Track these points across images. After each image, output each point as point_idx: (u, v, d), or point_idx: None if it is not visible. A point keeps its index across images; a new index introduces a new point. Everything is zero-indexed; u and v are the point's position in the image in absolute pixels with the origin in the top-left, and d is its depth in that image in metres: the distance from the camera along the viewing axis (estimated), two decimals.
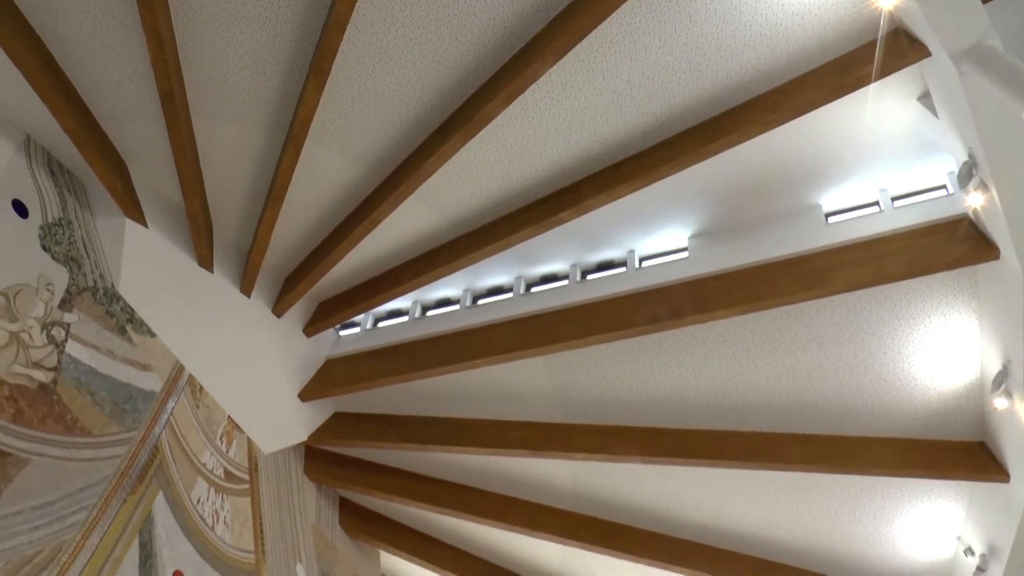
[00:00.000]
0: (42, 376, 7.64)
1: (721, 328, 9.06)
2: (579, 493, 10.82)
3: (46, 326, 7.85)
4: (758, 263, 8.61)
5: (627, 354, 9.61)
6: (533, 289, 10.42)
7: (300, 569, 10.83)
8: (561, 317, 9.56)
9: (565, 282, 10.22)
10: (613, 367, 9.80)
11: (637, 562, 10.71)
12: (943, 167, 8.52)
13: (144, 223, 9.08)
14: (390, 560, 13.15)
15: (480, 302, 10.78)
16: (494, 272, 10.61)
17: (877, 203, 8.78)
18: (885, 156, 8.51)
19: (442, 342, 10.35)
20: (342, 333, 11.70)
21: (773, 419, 9.33)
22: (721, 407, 9.49)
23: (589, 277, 10.07)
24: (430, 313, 11.15)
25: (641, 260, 9.81)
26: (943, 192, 8.56)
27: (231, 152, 8.87)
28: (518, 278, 10.54)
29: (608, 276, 9.88)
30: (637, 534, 10.64)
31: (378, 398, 11.14)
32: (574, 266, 10.21)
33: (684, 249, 9.52)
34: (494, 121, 7.91)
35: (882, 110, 7.95)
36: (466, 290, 10.90)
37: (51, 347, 7.83)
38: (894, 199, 8.72)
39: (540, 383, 10.21)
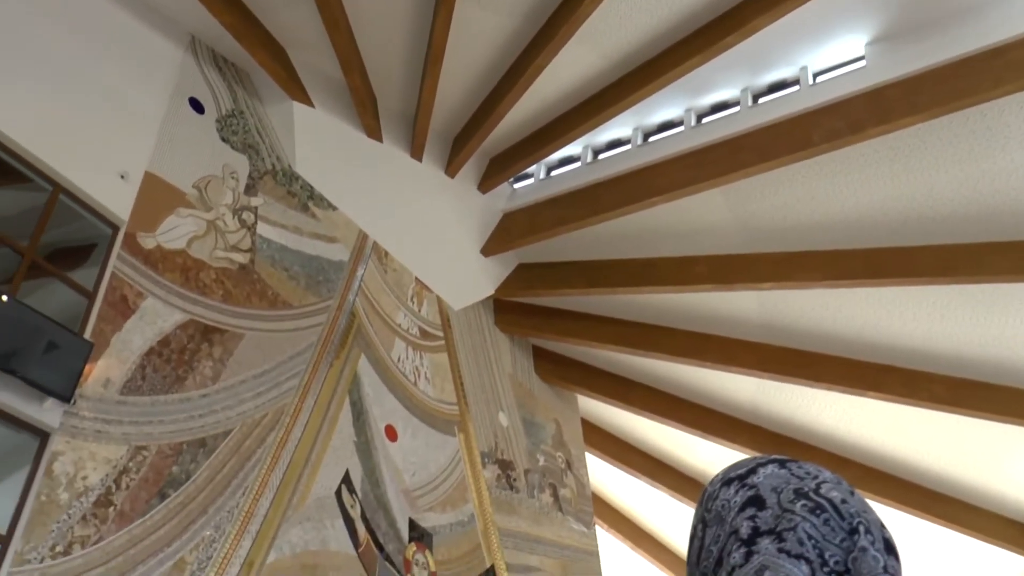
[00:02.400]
0: (241, 258, 8.25)
1: (906, 138, 8.48)
2: (768, 324, 10.66)
3: (236, 211, 8.40)
4: (944, 62, 7.88)
5: (807, 176, 9.21)
6: (704, 120, 10.07)
7: (502, 417, 11.39)
8: (736, 145, 9.24)
9: (736, 109, 9.78)
10: (793, 191, 9.43)
11: (831, 390, 10.55)
12: None
13: (310, 103, 9.40)
14: (587, 403, 13.54)
15: (651, 139, 10.54)
16: (662, 107, 10.30)
17: None
18: None
19: (618, 183, 10.27)
20: (516, 186, 11.80)
21: (967, 229, 8.73)
22: (909, 221, 8.99)
23: (761, 100, 9.60)
24: (602, 156, 11.02)
25: (815, 76, 9.23)
26: None
27: (383, 22, 8.93)
28: (688, 110, 10.20)
29: (781, 97, 9.37)
30: (829, 361, 10.40)
31: (560, 246, 11.25)
32: (744, 91, 9.75)
33: (861, 58, 8.87)
34: None
35: None
36: (636, 129, 10.67)
37: (244, 230, 8.40)
38: None
39: (720, 215, 10.00)
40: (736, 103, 9.85)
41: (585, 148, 11.17)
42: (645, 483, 13.83)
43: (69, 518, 5.87)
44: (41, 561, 5.59)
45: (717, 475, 1.13)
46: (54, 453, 6.00)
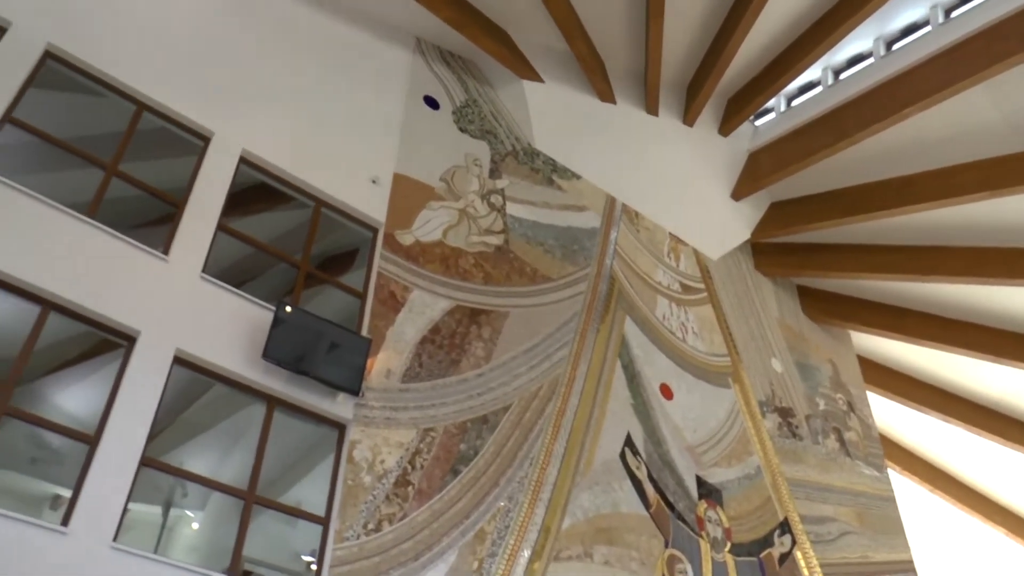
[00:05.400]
0: (495, 240, 8.56)
1: None
2: None
3: (484, 196, 8.73)
4: None
5: None
6: (954, 13, 9.23)
7: (775, 363, 11.06)
8: (995, 34, 8.42)
9: None
10: None
11: None
12: None
13: (539, 79, 9.56)
14: (861, 339, 12.84)
15: (895, 47, 9.83)
16: (904, 9, 9.59)
17: None
18: None
19: (864, 101, 9.69)
20: (758, 123, 11.38)
21: None
22: None
23: None
24: (843, 76, 10.41)
25: None
26: None
27: None
28: (934, 7, 9.39)
29: None
30: None
31: (811, 177, 10.77)
32: None
33: None
34: None
35: None
36: (877, 39, 9.98)
37: (494, 213, 8.70)
38: None
39: (983, 114, 9.14)
40: None
41: (824, 71, 10.60)
42: (935, 418, 12.90)
43: (374, 498, 6.35)
44: (357, 538, 6.11)
45: None
46: (352, 442, 6.53)
